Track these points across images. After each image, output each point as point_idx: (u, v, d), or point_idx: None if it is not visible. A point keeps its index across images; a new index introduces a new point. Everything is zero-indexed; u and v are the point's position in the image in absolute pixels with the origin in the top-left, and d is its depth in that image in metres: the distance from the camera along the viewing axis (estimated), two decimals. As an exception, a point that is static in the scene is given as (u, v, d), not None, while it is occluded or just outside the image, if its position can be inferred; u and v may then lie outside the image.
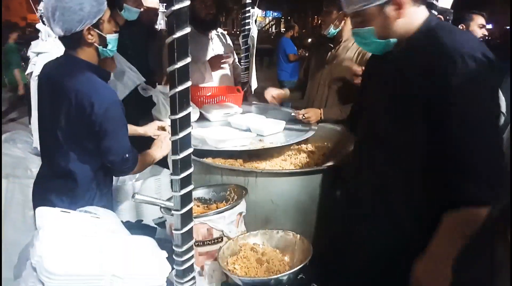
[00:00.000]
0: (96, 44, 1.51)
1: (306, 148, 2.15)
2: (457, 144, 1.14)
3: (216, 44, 2.84)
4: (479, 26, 2.45)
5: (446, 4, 2.17)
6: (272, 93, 2.54)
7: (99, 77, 1.52)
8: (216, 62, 2.63)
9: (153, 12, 2.98)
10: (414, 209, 1.27)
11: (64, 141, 1.53)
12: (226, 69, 2.80)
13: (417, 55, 1.22)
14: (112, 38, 1.55)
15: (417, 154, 1.23)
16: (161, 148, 1.73)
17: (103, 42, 1.52)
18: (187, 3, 0.95)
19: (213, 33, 2.81)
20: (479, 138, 1.13)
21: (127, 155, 1.54)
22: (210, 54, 2.77)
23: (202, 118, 2.38)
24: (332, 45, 2.40)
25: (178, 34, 0.95)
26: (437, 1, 1.96)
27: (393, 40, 1.27)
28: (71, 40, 1.49)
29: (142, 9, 2.34)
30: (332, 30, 2.31)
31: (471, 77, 1.11)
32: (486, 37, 2.50)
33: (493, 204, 1.12)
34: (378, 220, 1.39)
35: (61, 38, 1.51)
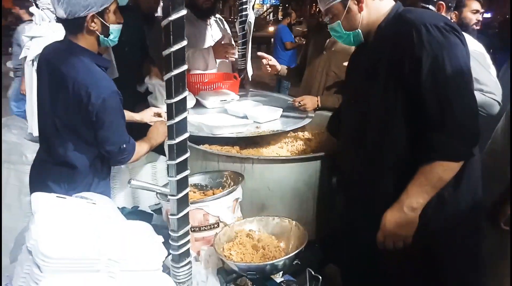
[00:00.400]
0: (98, 33, 1.48)
1: (303, 136, 2.14)
2: (433, 104, 1.22)
3: (214, 30, 2.82)
4: (472, 11, 2.38)
5: None
6: (270, 60, 2.45)
7: (98, 66, 1.50)
8: (221, 51, 2.61)
9: None
10: (405, 185, 1.31)
11: (62, 129, 1.52)
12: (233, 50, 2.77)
13: (386, 37, 1.34)
14: (115, 29, 1.52)
15: (403, 129, 1.31)
16: (158, 135, 1.72)
17: (106, 31, 1.49)
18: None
19: (211, 19, 2.78)
20: (454, 97, 1.21)
21: (124, 146, 1.52)
22: (209, 39, 2.75)
23: (198, 104, 2.37)
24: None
25: (174, 16, 0.94)
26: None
27: (358, 31, 1.42)
28: (73, 25, 1.45)
29: None
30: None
31: (436, 42, 1.20)
32: (479, 23, 2.41)
33: (466, 160, 1.26)
34: (371, 203, 1.43)
35: (62, 21, 1.47)
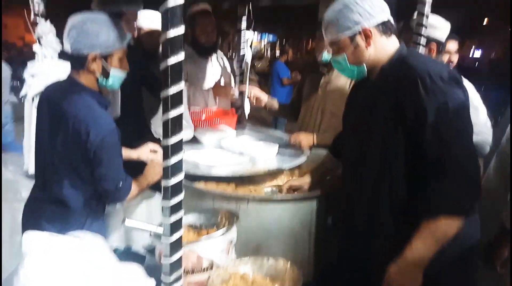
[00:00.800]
0: (97, 74, 1.50)
1: (299, 173, 2.14)
2: (436, 153, 1.21)
3: (215, 67, 2.89)
4: (449, 52, 2.37)
5: (443, 35, 2.21)
6: (255, 92, 2.47)
7: (98, 104, 1.51)
8: (221, 92, 2.67)
9: (155, 34, 2.72)
10: (404, 227, 1.29)
11: (59, 166, 1.52)
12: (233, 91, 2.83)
13: (390, 79, 1.34)
14: (115, 74, 1.53)
15: (402, 171, 1.30)
16: (154, 173, 1.70)
17: (106, 74, 1.51)
18: (182, 30, 0.97)
19: (213, 57, 2.86)
20: (458, 148, 1.21)
21: (121, 184, 1.52)
22: (210, 76, 2.82)
23: (195, 140, 2.38)
24: (325, 71, 2.44)
25: (173, 60, 0.96)
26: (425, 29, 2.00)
27: (363, 66, 1.41)
28: (76, 61, 1.48)
29: (135, 34, 2.34)
30: (325, 56, 2.35)
31: (440, 92, 1.21)
32: (451, 63, 2.44)
33: (469, 215, 1.24)
34: (370, 242, 1.41)
35: (67, 56, 1.51)
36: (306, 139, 2.25)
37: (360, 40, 1.36)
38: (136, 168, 1.78)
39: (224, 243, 1.37)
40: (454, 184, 1.20)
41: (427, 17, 1.95)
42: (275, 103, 2.54)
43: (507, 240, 1.55)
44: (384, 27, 1.36)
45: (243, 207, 1.62)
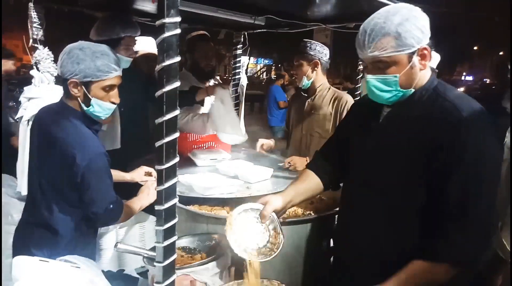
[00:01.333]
0: (79, 100, 1.51)
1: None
2: (459, 203, 1.15)
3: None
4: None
5: (433, 63, 2.28)
6: (262, 143, 2.63)
7: (88, 128, 1.53)
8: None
9: (151, 57, 2.91)
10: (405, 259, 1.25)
11: (47, 190, 1.52)
12: None
13: (424, 109, 1.24)
14: (98, 103, 1.52)
15: (414, 206, 1.24)
16: (148, 195, 1.71)
17: (87, 101, 1.51)
18: (178, 59, 1.00)
19: (211, 82, 2.90)
20: (483, 202, 1.15)
21: (111, 206, 1.51)
22: (209, 101, 2.85)
23: (190, 163, 2.39)
24: (307, 95, 2.52)
25: (168, 88, 0.99)
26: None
27: (411, 90, 1.27)
28: (65, 85, 1.52)
29: (134, 56, 2.39)
30: (306, 82, 2.44)
31: (482, 139, 1.16)
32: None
33: (472, 269, 1.18)
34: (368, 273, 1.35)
35: (59, 80, 1.56)
36: (300, 162, 2.28)
37: (416, 60, 1.22)
38: (130, 190, 1.79)
39: (218, 267, 1.36)
40: (470, 233, 1.15)
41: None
42: (273, 142, 2.69)
43: (501, 269, 1.55)
44: (432, 48, 1.24)
45: (237, 231, 1.62)
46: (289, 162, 2.29)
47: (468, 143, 1.15)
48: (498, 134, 1.24)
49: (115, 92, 1.56)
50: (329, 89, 2.52)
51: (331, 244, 1.73)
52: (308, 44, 2.41)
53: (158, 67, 0.99)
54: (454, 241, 1.15)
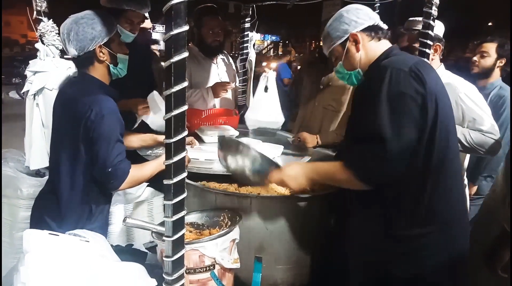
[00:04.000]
0: (107, 62, 1.59)
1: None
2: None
3: (221, 68, 2.87)
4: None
5: (439, 31, 2.20)
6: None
7: (106, 95, 1.56)
8: (218, 89, 2.65)
9: (147, 32, 2.88)
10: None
11: (65, 158, 1.54)
12: (231, 86, 2.81)
13: (367, 77, 1.46)
14: (121, 58, 1.64)
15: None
16: (159, 163, 1.64)
17: (114, 60, 1.61)
18: (186, 28, 0.96)
19: (218, 58, 2.84)
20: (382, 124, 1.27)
21: (109, 170, 1.50)
22: (215, 77, 2.80)
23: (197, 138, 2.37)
24: (326, 67, 2.42)
25: (176, 58, 0.95)
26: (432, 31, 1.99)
27: (358, 70, 1.50)
28: (84, 60, 1.57)
29: (136, 33, 2.34)
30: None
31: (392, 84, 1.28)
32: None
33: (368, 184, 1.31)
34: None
35: (74, 60, 1.60)
36: (310, 138, 2.25)
37: (350, 45, 1.48)
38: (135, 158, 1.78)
39: (227, 243, 1.36)
40: (376, 155, 1.27)
41: (433, 19, 1.95)
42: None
43: (507, 243, 1.53)
44: (372, 31, 1.47)
45: (246, 206, 1.61)
46: (298, 137, 2.25)
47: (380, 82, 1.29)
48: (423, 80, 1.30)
49: (122, 43, 1.68)
50: None
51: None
52: None
53: (165, 37, 0.96)
54: (361, 156, 1.31)
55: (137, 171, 1.57)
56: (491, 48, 2.68)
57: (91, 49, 1.53)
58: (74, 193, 1.54)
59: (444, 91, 1.38)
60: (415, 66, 1.31)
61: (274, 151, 2.11)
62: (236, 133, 2.48)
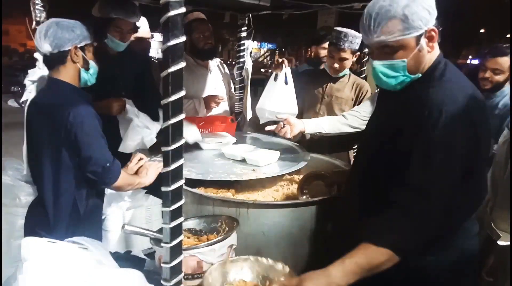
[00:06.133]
0: (79, 65, 1.62)
1: (299, 179, 2.15)
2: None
3: (215, 75, 2.90)
4: None
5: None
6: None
7: (79, 97, 1.60)
8: (209, 102, 2.68)
9: (145, 41, 2.95)
10: None
11: (47, 165, 1.56)
12: (223, 99, 2.83)
13: (423, 92, 1.19)
14: (93, 66, 1.68)
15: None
16: (147, 175, 1.74)
17: (86, 65, 1.65)
18: (183, 39, 0.98)
19: (212, 65, 2.86)
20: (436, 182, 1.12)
21: (108, 165, 1.56)
22: (209, 85, 2.82)
23: (195, 145, 2.39)
24: (329, 78, 2.51)
25: (173, 68, 0.98)
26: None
27: (418, 75, 1.22)
28: (57, 59, 1.59)
29: (127, 42, 2.36)
30: (345, 72, 2.47)
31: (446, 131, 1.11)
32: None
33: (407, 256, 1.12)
34: None
35: (45, 57, 1.61)
36: (297, 122, 2.14)
37: (424, 42, 1.18)
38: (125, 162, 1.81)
39: (224, 248, 1.37)
40: (415, 222, 1.11)
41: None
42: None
43: (492, 249, 1.57)
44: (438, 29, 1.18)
45: (243, 212, 1.63)
46: (282, 125, 2.13)
47: (434, 134, 1.12)
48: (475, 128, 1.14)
49: (96, 57, 1.71)
50: (350, 75, 2.56)
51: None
52: (352, 38, 2.34)
53: (163, 47, 0.98)
54: (398, 228, 1.12)
55: (129, 176, 1.64)
56: (505, 63, 2.46)
57: (66, 49, 1.57)
58: (61, 200, 1.56)
59: None
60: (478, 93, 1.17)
61: (272, 157, 2.13)
62: (234, 139, 2.50)
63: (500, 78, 2.48)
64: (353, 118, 2.17)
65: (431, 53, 1.22)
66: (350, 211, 1.54)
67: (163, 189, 1.03)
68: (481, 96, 1.23)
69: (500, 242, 1.65)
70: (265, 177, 1.94)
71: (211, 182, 1.89)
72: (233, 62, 3.37)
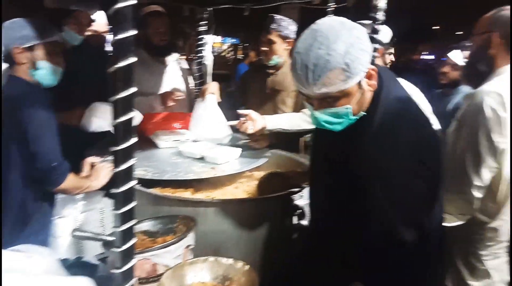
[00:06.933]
0: (25, 67, 1.61)
1: (259, 175, 2.14)
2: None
3: (172, 70, 2.81)
4: (388, 53, 2.50)
5: (385, 39, 2.29)
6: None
7: (35, 93, 1.57)
8: (166, 98, 2.59)
9: (101, 35, 2.73)
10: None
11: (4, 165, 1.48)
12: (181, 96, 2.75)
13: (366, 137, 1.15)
14: (44, 66, 1.63)
15: None
16: (98, 178, 1.70)
17: (33, 65, 1.62)
18: (132, 33, 0.93)
19: (169, 60, 2.78)
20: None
21: (55, 164, 1.51)
22: (166, 84, 2.73)
23: (152, 146, 2.32)
24: (268, 73, 2.47)
25: (122, 63, 0.93)
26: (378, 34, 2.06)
27: (362, 114, 1.16)
28: (6, 59, 1.60)
29: (84, 36, 2.24)
30: (277, 60, 2.39)
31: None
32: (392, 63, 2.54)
33: None
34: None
35: (5, 57, 1.61)
36: (259, 117, 2.08)
37: (365, 83, 1.12)
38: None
39: (180, 249, 1.34)
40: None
41: (380, 23, 2.02)
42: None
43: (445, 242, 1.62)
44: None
45: (201, 211, 1.59)
46: (245, 120, 2.07)
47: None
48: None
49: (58, 55, 1.68)
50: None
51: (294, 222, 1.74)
52: (281, 21, 2.34)
53: (112, 41, 0.92)
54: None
55: (78, 179, 1.61)
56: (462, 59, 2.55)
57: (11, 49, 1.58)
58: (7, 200, 1.47)
59: None
60: None
61: (232, 154, 2.10)
62: (192, 137, 2.45)
63: (456, 74, 2.64)
64: None
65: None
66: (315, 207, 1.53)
67: (113, 191, 0.98)
68: (422, 108, 1.23)
69: (445, 224, 1.71)
70: (224, 175, 1.92)
71: (168, 182, 1.83)
72: (194, 57, 3.30)
